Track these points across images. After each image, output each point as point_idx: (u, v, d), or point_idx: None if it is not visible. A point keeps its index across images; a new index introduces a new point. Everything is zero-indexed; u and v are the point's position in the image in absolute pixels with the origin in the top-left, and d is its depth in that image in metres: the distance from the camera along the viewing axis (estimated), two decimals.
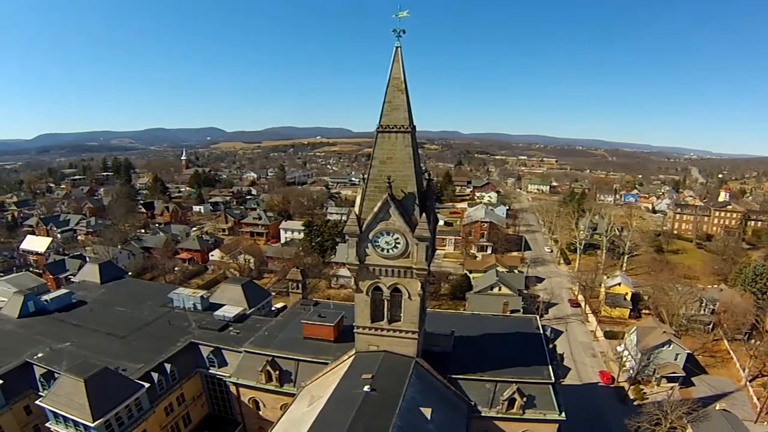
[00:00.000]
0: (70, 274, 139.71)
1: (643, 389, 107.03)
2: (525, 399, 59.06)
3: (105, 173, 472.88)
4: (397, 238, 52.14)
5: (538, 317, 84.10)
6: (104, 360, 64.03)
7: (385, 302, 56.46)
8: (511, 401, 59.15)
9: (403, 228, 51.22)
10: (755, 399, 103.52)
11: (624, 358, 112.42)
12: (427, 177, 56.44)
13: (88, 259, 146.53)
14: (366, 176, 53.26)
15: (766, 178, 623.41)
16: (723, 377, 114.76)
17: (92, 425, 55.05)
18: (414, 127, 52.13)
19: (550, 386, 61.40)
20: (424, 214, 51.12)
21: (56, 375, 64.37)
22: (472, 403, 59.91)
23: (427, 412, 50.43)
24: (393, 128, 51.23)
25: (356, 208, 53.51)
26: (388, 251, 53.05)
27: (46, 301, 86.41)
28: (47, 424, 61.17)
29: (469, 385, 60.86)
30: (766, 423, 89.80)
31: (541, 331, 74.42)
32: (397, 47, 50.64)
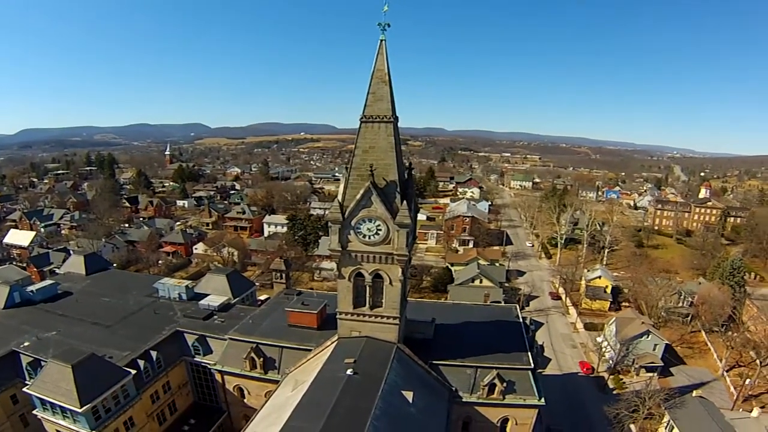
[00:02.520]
0: (55, 267, 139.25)
1: (622, 379, 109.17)
2: (505, 384, 60.43)
3: (88, 168, 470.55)
4: (379, 225, 53.40)
5: (517, 306, 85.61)
6: (91, 348, 64.26)
7: (367, 288, 57.65)
8: (492, 387, 60.46)
9: (385, 215, 52.51)
10: (732, 388, 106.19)
11: (603, 349, 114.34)
12: (409, 166, 57.54)
13: (72, 252, 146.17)
14: (349, 165, 54.45)
15: (748, 177, 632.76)
16: (701, 367, 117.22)
17: (80, 411, 55.56)
18: (396, 117, 53.27)
19: (530, 372, 62.72)
20: (405, 202, 52.32)
21: (43, 363, 64.38)
22: (453, 388, 61.10)
23: (409, 395, 51.69)
24: (376, 118, 52.35)
25: (339, 196, 54.49)
26: (369, 238, 54.29)
27: (31, 291, 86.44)
28: (34, 412, 61.61)
29: (450, 371, 61.98)
30: (741, 410, 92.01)
31: (521, 320, 75.97)
32: (381, 40, 51.75)
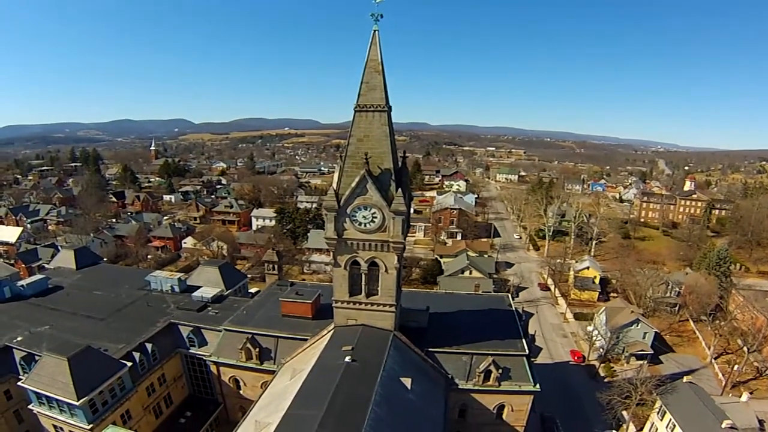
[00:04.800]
0: (43, 263, 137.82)
1: (613, 367, 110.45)
2: (500, 371, 61.05)
3: (73, 164, 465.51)
4: (374, 213, 53.73)
5: (509, 295, 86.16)
6: (85, 341, 63.78)
7: (363, 276, 58.02)
8: (487, 373, 61.09)
9: (380, 202, 52.82)
10: (720, 375, 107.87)
11: (594, 338, 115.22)
12: (403, 154, 57.77)
13: (60, 247, 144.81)
14: (344, 153, 54.59)
15: (731, 171, 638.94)
16: (689, 355, 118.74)
17: (77, 404, 55.30)
18: (390, 106, 53.61)
19: (525, 358, 63.41)
20: (399, 189, 52.76)
21: (37, 357, 63.98)
22: (449, 375, 61.63)
23: (408, 382, 52.22)
24: (370, 107, 52.64)
25: (334, 184, 54.84)
26: (365, 225, 54.60)
27: (22, 286, 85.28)
28: (30, 407, 61.10)
29: (446, 359, 62.54)
30: (731, 395, 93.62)
31: (513, 308, 76.59)
32: (374, 31, 51.93)
